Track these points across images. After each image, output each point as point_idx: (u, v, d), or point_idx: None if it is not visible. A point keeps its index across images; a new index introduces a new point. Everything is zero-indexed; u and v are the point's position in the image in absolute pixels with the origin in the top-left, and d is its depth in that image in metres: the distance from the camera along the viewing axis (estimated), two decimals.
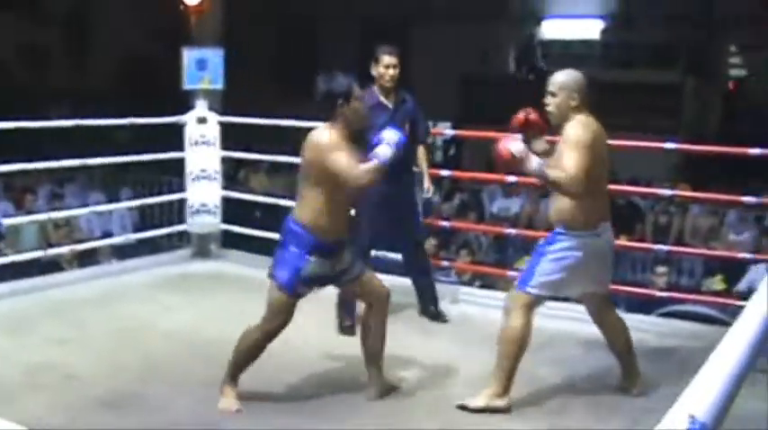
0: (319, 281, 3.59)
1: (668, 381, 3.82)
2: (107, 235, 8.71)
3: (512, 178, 5.47)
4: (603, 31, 15.50)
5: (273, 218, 8.29)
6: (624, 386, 3.86)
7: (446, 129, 10.48)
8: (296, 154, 3.71)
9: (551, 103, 3.62)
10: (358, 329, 4.17)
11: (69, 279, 5.72)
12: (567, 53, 14.66)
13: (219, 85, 6.17)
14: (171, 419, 3.43)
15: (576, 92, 3.57)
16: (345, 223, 3.59)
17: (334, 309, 4.59)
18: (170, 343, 4.38)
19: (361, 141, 3.54)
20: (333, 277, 3.62)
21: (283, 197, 6.39)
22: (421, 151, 4.98)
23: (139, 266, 5.95)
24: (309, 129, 3.59)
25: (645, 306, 5.63)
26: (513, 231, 6.93)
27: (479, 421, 3.53)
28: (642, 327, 4.56)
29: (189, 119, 6.06)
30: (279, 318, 3.53)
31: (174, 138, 6.16)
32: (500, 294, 4.88)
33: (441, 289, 5.15)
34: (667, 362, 4.22)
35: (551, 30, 15.99)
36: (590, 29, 15.54)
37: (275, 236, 6.01)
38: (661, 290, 6.41)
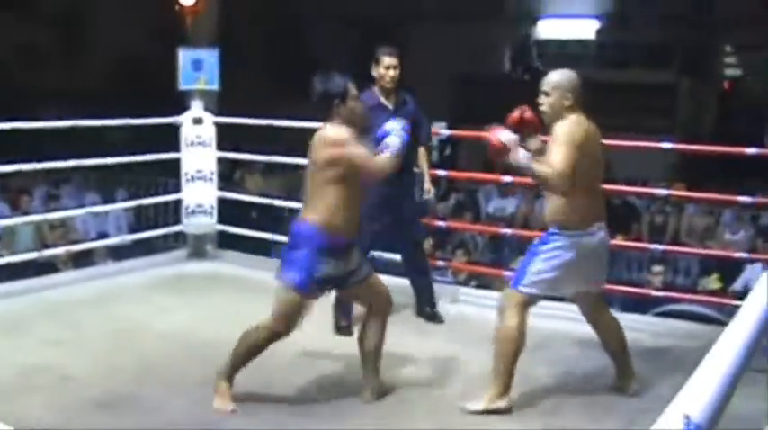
0: (332, 282, 3.55)
1: (663, 381, 3.84)
2: (103, 236, 8.71)
3: (507, 178, 5.48)
4: (599, 31, 15.54)
5: (269, 218, 8.34)
6: (619, 386, 3.86)
7: (442, 129, 10.47)
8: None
9: (545, 103, 3.62)
10: (354, 330, 4.18)
11: (65, 280, 5.71)
12: (563, 53, 14.70)
13: (215, 86, 6.16)
14: (166, 420, 3.43)
15: (569, 91, 3.57)
16: (358, 222, 3.56)
17: (330, 310, 4.58)
18: (166, 343, 4.37)
19: (361, 141, 3.53)
20: (342, 278, 3.57)
21: (279, 198, 6.39)
22: (422, 152, 4.99)
23: (135, 267, 5.94)
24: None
25: (641, 305, 5.64)
26: (508, 231, 6.94)
27: (476, 421, 3.53)
28: (637, 327, 4.56)
29: (185, 119, 6.06)
30: (289, 319, 3.49)
31: (169, 138, 6.16)
32: (496, 294, 4.87)
33: (440, 289, 5.15)
34: (662, 361, 4.22)
35: (547, 30, 16.03)
36: (585, 29, 15.57)
37: (271, 236, 6.11)
38: (657, 289, 6.43)
